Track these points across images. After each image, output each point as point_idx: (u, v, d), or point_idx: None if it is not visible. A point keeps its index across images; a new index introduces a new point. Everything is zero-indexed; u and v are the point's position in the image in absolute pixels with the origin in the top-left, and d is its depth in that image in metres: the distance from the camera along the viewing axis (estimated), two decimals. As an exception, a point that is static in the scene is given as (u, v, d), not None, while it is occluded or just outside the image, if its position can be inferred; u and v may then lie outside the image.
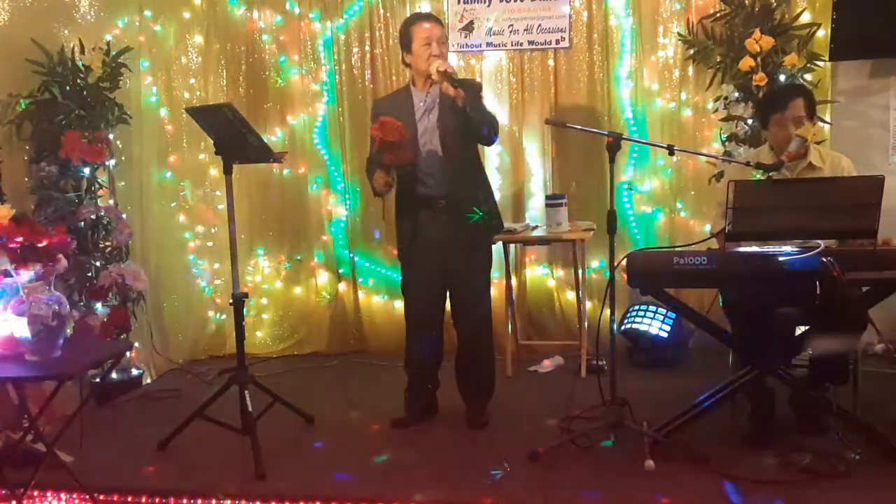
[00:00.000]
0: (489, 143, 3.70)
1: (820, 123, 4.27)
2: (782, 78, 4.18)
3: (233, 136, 3.35)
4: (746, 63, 4.15)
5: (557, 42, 4.71)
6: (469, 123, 3.43)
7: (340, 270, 5.09)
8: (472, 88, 3.47)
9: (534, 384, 4.33)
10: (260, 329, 5.14)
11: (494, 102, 4.82)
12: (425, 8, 4.80)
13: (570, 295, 4.86)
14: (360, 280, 5.06)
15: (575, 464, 3.16)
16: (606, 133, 3.27)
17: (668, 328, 4.41)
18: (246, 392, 3.42)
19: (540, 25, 4.71)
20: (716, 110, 4.43)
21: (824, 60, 4.30)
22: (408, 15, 4.17)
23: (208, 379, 4.47)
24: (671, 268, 3.01)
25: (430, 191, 3.53)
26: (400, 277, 3.76)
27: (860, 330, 3.20)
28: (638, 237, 4.75)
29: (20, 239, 2.90)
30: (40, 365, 2.85)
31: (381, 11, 4.84)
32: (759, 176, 3.23)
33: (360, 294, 5.06)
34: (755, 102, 4.19)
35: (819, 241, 2.96)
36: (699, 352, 4.44)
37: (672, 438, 3.21)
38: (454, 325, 3.70)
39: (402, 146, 3.37)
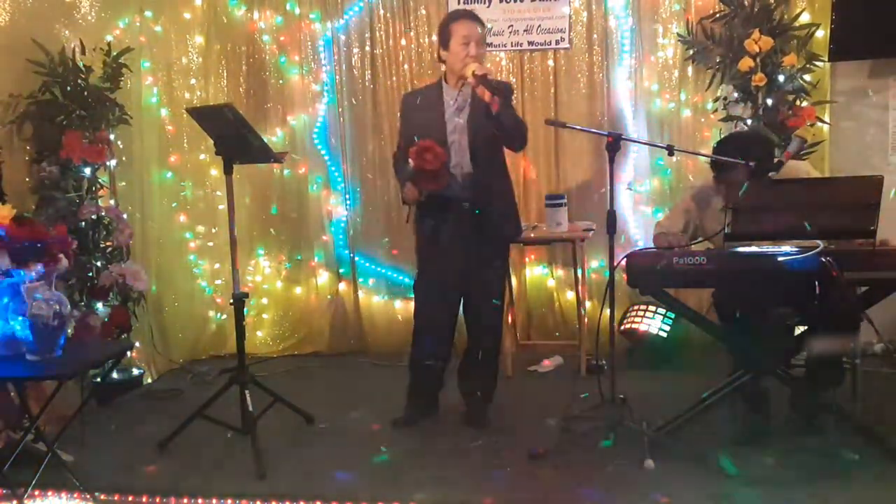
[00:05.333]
0: (519, 150, 3.63)
1: (819, 124, 4.29)
2: (781, 78, 4.18)
3: (233, 136, 3.35)
4: (746, 63, 4.15)
5: (557, 42, 4.72)
6: (501, 130, 3.37)
7: (340, 270, 5.10)
8: (505, 93, 3.40)
9: (534, 384, 4.34)
10: (260, 329, 5.15)
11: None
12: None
13: (570, 295, 4.87)
14: (360, 280, 5.07)
15: (575, 464, 3.17)
16: (606, 133, 3.28)
17: (667, 328, 4.41)
18: (246, 392, 3.43)
19: (540, 26, 4.71)
20: (715, 111, 4.44)
21: (823, 61, 4.31)
22: (448, 12, 4.11)
23: (209, 379, 4.48)
24: (671, 268, 3.02)
25: (455, 193, 3.45)
26: (407, 277, 3.74)
27: (854, 331, 3.21)
28: (638, 237, 4.76)
29: (21, 239, 2.90)
30: (41, 365, 2.86)
31: (382, 12, 4.85)
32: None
33: (360, 294, 5.06)
34: (754, 103, 4.20)
35: (818, 241, 2.96)
36: (699, 352, 4.44)
37: (672, 438, 3.22)
38: (466, 327, 3.67)
39: (440, 174, 3.31)
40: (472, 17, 3.51)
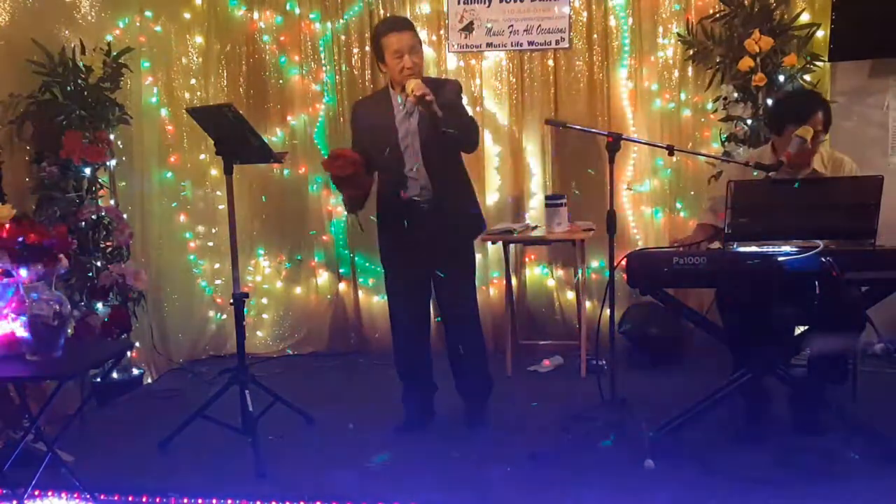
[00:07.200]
0: (471, 151, 3.61)
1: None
2: (781, 78, 4.19)
3: (233, 136, 3.35)
4: (746, 63, 4.16)
5: (557, 42, 4.72)
6: (452, 141, 3.32)
7: (340, 270, 5.10)
8: (451, 96, 3.38)
9: (534, 384, 4.34)
10: (260, 329, 5.15)
11: (493, 103, 4.84)
12: (425, 9, 4.81)
13: (570, 295, 4.87)
14: (360, 280, 5.07)
15: (575, 464, 3.16)
16: (606, 133, 3.28)
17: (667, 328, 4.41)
18: (246, 392, 3.43)
19: (540, 25, 4.71)
20: (715, 111, 4.44)
21: (823, 61, 4.31)
22: (378, 24, 3.82)
23: (209, 379, 4.47)
24: (671, 268, 3.01)
25: (413, 194, 3.45)
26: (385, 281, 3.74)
27: (859, 330, 3.21)
28: (638, 237, 4.76)
29: (21, 239, 2.90)
30: (41, 365, 2.86)
31: (381, 12, 4.83)
32: (756, 174, 3.23)
33: (360, 294, 5.06)
34: (754, 103, 4.20)
35: (818, 241, 2.96)
36: (699, 352, 4.44)
37: (672, 438, 3.22)
38: (443, 326, 3.68)
39: (357, 179, 3.28)
40: (401, 25, 3.41)
